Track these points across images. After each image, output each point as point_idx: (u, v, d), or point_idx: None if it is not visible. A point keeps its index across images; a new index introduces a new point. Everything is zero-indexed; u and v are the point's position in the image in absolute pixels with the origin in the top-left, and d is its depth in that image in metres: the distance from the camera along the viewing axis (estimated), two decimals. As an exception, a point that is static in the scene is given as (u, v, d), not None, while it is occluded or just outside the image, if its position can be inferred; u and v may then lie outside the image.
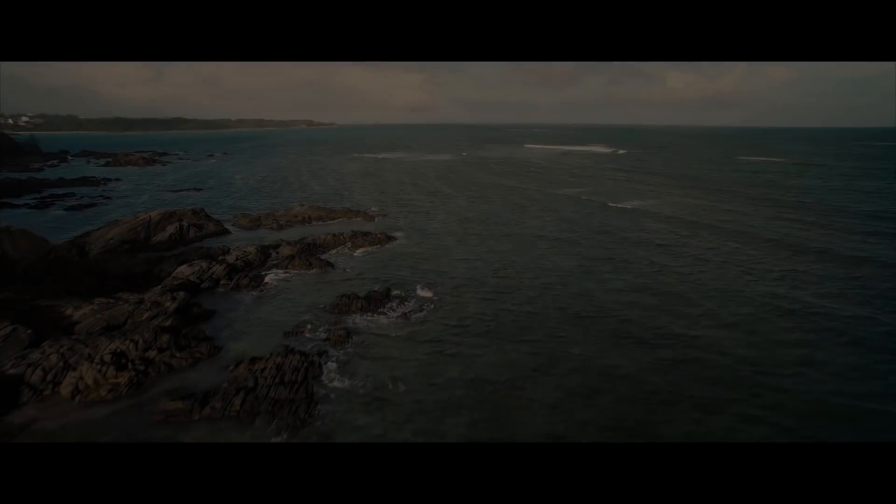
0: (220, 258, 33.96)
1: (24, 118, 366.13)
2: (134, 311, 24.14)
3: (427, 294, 28.61)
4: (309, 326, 24.37)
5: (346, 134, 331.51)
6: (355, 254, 37.45)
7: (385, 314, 25.85)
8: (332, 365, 20.53)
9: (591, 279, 30.52)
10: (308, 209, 53.11)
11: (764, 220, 47.59)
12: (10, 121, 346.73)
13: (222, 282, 30.49)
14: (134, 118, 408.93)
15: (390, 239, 41.27)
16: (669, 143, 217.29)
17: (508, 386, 18.86)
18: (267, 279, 31.47)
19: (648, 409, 17.36)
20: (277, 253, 37.03)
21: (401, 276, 31.75)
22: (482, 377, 19.50)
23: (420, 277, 31.50)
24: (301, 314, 25.97)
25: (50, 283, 24.22)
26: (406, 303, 27.34)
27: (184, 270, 30.23)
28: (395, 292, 28.65)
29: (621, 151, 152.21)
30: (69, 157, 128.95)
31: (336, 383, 19.28)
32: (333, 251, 38.05)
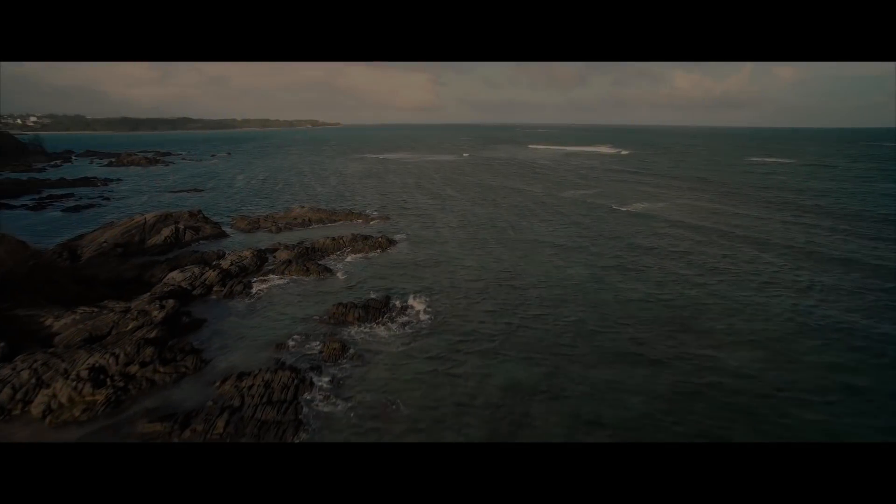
0: (214, 263, 32.77)
1: (33, 118, 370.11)
2: (119, 320, 22.93)
3: (428, 304, 27.21)
4: (302, 338, 23.05)
5: (351, 134, 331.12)
6: (355, 259, 36.13)
7: (383, 325, 24.48)
8: (324, 383, 19.17)
9: (602, 291, 28.79)
10: (308, 211, 51.92)
11: (780, 225, 45.76)
12: (19, 121, 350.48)
13: (215, 288, 29.26)
14: (141, 118, 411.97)
15: (391, 243, 39.94)
16: (676, 143, 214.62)
17: (514, 410, 17.37)
18: (262, 286, 30.22)
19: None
20: (274, 257, 35.83)
21: (401, 284, 30.38)
22: (486, 400, 18.04)
23: (421, 286, 30.11)
24: (295, 324, 24.67)
25: (30, 290, 23.05)
26: (406, 313, 25.96)
27: (175, 276, 29.03)
28: (394, 301, 27.28)
29: (628, 152, 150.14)
30: (73, 158, 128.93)
31: (327, 404, 17.89)
32: (332, 256, 36.76)
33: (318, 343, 22.51)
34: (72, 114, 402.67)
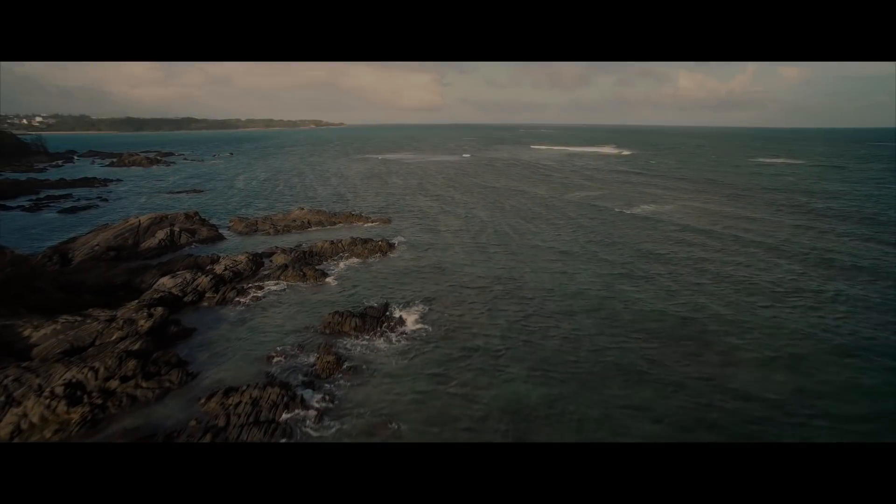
0: (207, 268, 31.62)
1: (38, 118, 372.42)
2: (104, 330, 21.79)
3: (429, 313, 25.96)
4: (295, 349, 21.86)
5: (355, 134, 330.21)
6: (353, 264, 34.93)
7: (381, 336, 23.23)
8: (317, 401, 17.90)
9: (612, 301, 27.14)
10: (308, 213, 50.79)
11: (793, 230, 44.18)
12: (25, 121, 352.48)
13: (207, 295, 28.10)
14: (145, 118, 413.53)
15: (392, 248, 38.71)
16: (681, 144, 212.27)
17: (519, 431, 16.09)
18: (256, 292, 29.03)
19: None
20: (271, 261, 34.70)
21: (401, 292, 29.13)
22: (490, 420, 16.74)
23: (422, 294, 28.85)
24: (288, 334, 23.48)
25: (8, 298, 21.95)
26: (405, 323, 24.69)
27: (166, 282, 27.91)
28: (393, 310, 26.02)
29: (632, 153, 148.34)
30: (75, 158, 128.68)
31: (319, 427, 16.61)
32: (330, 260, 35.56)
33: (311, 355, 21.29)
34: (77, 114, 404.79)
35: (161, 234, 39.23)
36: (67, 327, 21.24)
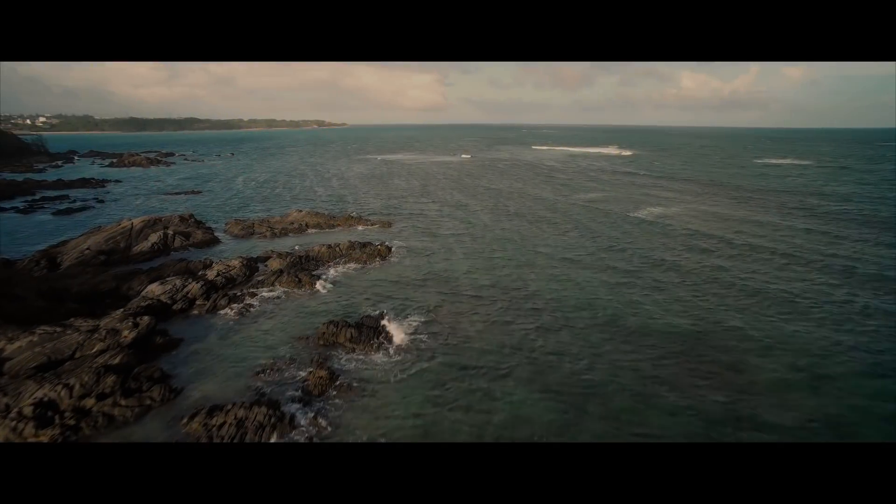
0: (199, 273, 30.45)
1: (42, 119, 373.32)
2: (84, 341, 20.57)
3: (430, 324, 24.66)
4: (286, 363, 20.59)
5: (357, 134, 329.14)
6: (351, 270, 33.67)
7: (378, 348, 21.94)
8: (307, 421, 16.62)
9: (624, 314, 25.51)
10: (306, 216, 49.58)
11: (807, 235, 42.64)
12: (28, 121, 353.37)
13: (198, 302, 26.90)
14: (148, 118, 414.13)
15: (391, 252, 37.44)
16: (685, 144, 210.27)
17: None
18: (249, 299, 27.80)
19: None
20: (266, 266, 33.47)
21: (400, 300, 27.83)
22: (494, 441, 15.43)
23: (422, 302, 27.55)
24: (279, 346, 22.22)
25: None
26: (403, 334, 23.38)
27: (154, 289, 26.70)
28: (392, 320, 24.70)
29: (636, 153, 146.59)
30: (76, 158, 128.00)
31: (308, 448, 15.38)
32: (327, 266, 34.32)
33: (303, 369, 20.02)
34: (80, 114, 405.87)
35: (154, 238, 38.08)
36: (45, 339, 20.03)
